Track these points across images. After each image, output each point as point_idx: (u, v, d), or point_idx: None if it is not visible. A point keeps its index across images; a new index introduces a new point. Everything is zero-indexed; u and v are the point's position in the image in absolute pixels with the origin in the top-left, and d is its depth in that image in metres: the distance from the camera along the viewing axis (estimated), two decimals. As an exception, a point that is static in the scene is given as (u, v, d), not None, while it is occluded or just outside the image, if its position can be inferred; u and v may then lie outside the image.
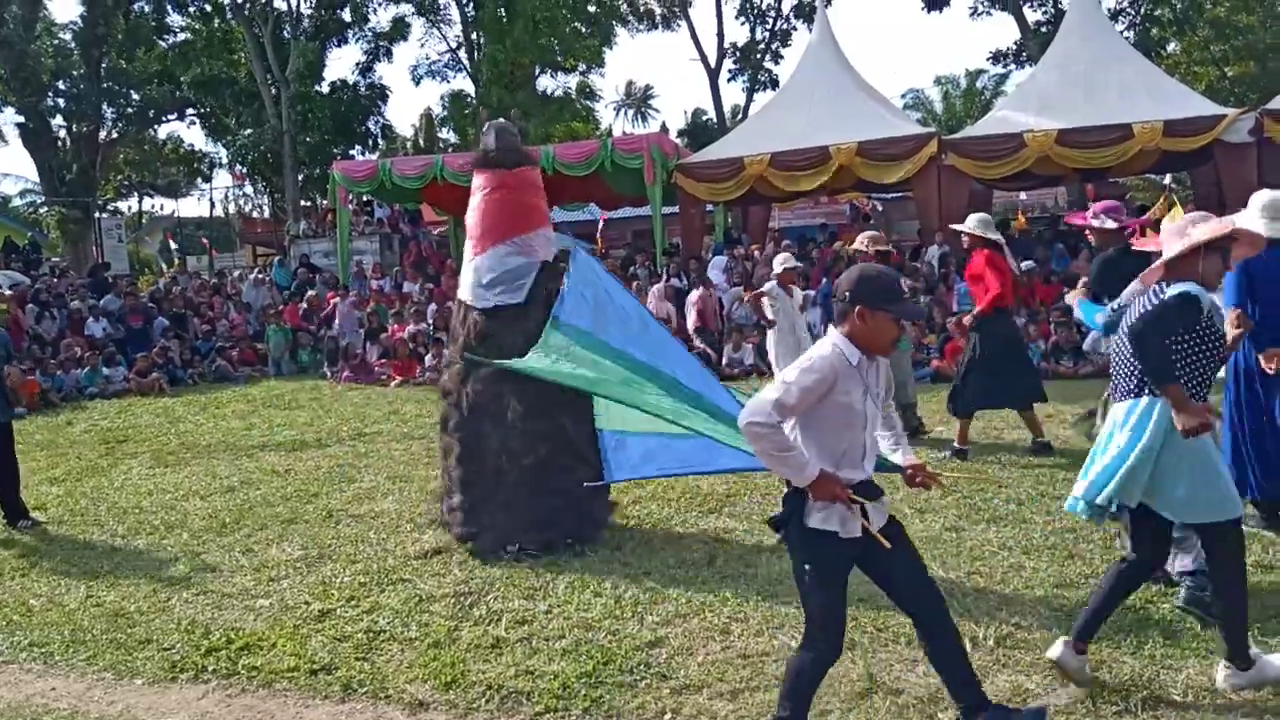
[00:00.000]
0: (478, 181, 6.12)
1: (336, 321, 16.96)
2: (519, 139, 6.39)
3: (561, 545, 5.65)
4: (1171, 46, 32.28)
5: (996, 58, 30.60)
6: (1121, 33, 24.04)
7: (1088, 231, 6.79)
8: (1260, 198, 5.30)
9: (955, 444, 7.79)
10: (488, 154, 6.09)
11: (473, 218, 6.08)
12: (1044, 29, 26.43)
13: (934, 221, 15.85)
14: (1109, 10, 25.02)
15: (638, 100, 56.22)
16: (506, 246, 5.87)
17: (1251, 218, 4.96)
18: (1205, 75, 32.58)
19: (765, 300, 8.97)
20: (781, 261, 9.21)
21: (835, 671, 3.90)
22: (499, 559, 5.56)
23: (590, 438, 5.10)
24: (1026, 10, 27.66)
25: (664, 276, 16.36)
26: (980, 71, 44.22)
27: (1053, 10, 27.09)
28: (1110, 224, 6.27)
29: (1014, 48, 29.31)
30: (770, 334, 9.12)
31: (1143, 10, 28.06)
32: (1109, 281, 5.78)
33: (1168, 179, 22.90)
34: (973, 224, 7.92)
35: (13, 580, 5.81)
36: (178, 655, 4.55)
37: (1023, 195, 25.77)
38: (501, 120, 6.61)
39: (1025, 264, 14.86)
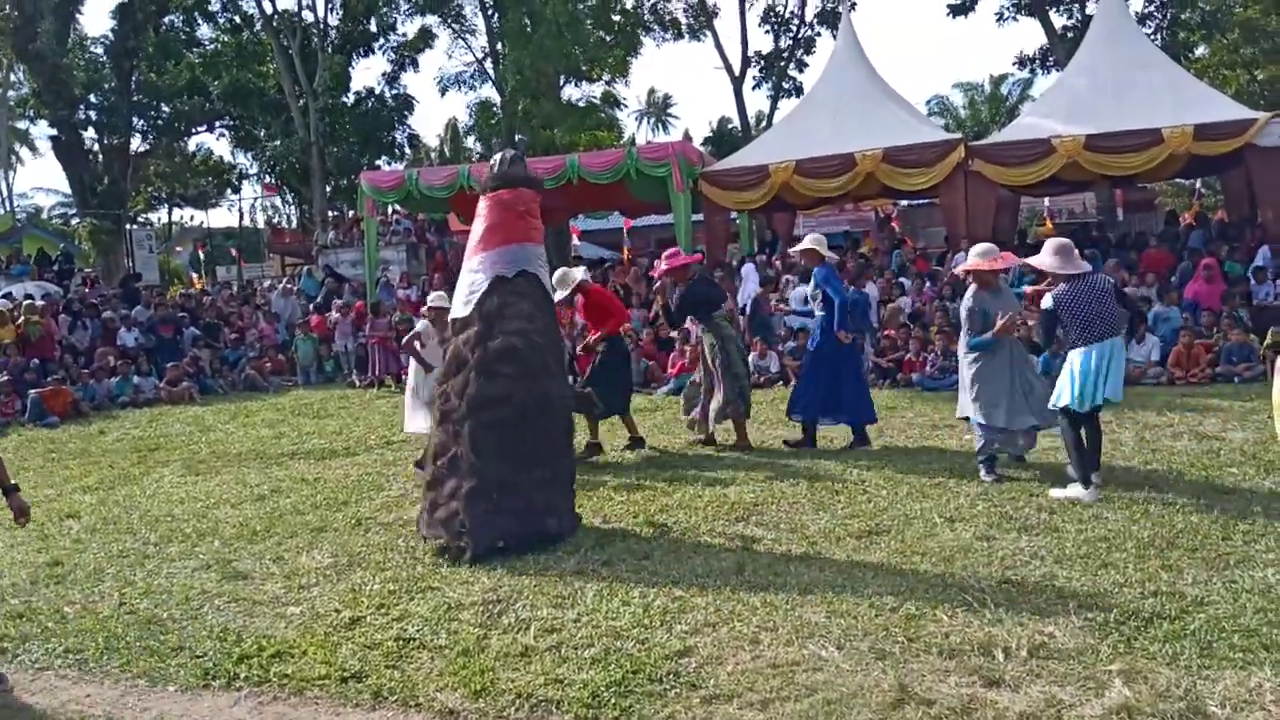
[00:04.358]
0: None
1: (367, 330, 17.07)
2: (519, 167, 6.78)
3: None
4: (1200, 50, 31.97)
5: (1023, 62, 30.40)
6: (1149, 37, 23.81)
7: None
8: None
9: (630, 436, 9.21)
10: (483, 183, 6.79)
11: None
12: (1070, 34, 26.22)
13: (960, 228, 15.71)
14: (1136, 14, 24.79)
15: (658, 109, 56.40)
16: (472, 263, 6.50)
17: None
18: (1235, 79, 32.24)
19: (417, 340, 8.77)
20: (434, 299, 8.98)
21: (866, 682, 3.89)
22: (527, 567, 5.60)
23: (466, 463, 5.96)
24: (1053, 15, 27.48)
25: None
26: (1004, 76, 44.08)
27: (1080, 15, 26.88)
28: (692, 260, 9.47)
29: (1040, 53, 29.11)
30: (413, 366, 8.87)
31: (1170, 14, 27.78)
32: (715, 294, 9.27)
33: (1197, 184, 22.70)
34: (578, 275, 9.19)
35: (47, 588, 5.87)
36: (210, 662, 4.58)
37: (1046, 201, 25.54)
38: (509, 151, 6.98)
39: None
